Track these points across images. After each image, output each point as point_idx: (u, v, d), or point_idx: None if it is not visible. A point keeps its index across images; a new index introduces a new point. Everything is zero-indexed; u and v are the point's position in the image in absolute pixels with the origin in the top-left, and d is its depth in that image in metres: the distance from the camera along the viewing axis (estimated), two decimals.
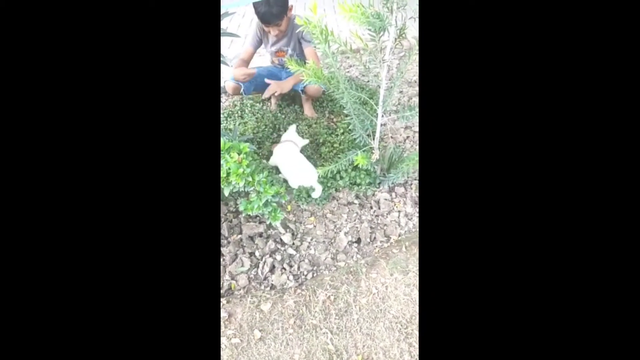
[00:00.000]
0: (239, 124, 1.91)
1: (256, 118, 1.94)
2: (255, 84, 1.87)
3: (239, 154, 0.99)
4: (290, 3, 1.65)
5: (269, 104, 2.15)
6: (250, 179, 1.03)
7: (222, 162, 0.99)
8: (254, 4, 1.56)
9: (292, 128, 1.72)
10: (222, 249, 1.39)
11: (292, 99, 2.12)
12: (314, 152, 1.79)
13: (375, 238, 1.44)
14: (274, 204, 1.19)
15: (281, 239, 1.42)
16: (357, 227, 1.47)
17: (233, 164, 0.99)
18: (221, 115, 2.00)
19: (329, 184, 1.59)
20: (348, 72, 2.47)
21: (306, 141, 1.72)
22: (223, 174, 0.99)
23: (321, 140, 1.82)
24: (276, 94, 1.76)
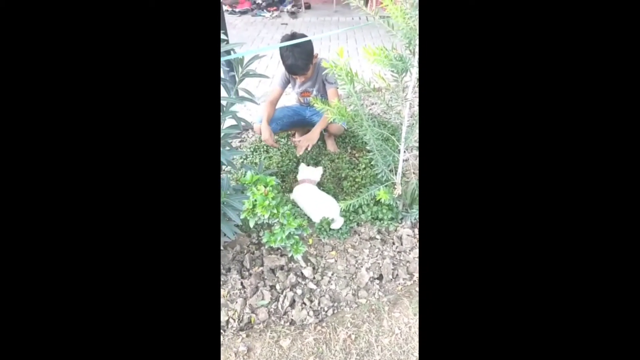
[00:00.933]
0: (264, 159, 1.98)
1: (281, 153, 2.01)
2: (282, 124, 1.97)
3: (265, 187, 1.03)
4: (315, 51, 1.75)
5: (292, 139, 2.23)
6: (275, 211, 1.05)
7: (249, 194, 1.03)
8: (282, 57, 1.69)
9: (302, 167, 1.77)
10: (243, 280, 1.39)
11: None
12: (336, 186, 1.82)
13: (397, 275, 1.41)
14: (297, 237, 1.20)
15: (302, 273, 1.41)
16: (378, 263, 1.44)
17: (259, 196, 1.03)
18: (247, 150, 2.08)
19: (350, 218, 1.59)
20: (371, 109, 2.54)
21: (320, 169, 1.76)
22: (249, 206, 1.03)
23: (343, 175, 1.85)
24: (309, 148, 1.83)
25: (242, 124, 1.29)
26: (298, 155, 1.91)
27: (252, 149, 2.09)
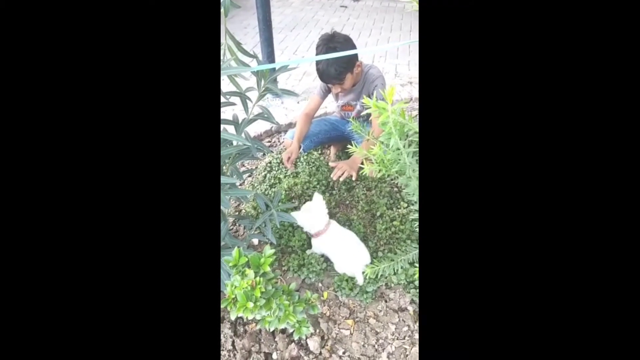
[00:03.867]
0: (289, 176, 1.70)
1: (309, 172, 1.71)
2: (316, 141, 1.65)
3: (255, 274, 0.73)
4: (359, 59, 1.39)
5: (327, 152, 1.92)
6: (263, 311, 0.76)
7: (224, 283, 0.74)
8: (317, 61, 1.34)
9: (297, 214, 1.30)
10: (235, 339, 1.15)
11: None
12: (367, 225, 1.50)
13: None
14: (302, 317, 0.92)
15: (307, 343, 1.14)
16: (405, 350, 1.13)
17: (241, 292, 0.71)
18: (265, 167, 1.81)
19: (378, 276, 1.27)
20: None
21: (318, 199, 1.30)
22: (230, 293, 0.74)
23: (379, 213, 1.52)
24: (347, 177, 1.49)
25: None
26: (333, 179, 1.57)
27: (277, 161, 1.81)
